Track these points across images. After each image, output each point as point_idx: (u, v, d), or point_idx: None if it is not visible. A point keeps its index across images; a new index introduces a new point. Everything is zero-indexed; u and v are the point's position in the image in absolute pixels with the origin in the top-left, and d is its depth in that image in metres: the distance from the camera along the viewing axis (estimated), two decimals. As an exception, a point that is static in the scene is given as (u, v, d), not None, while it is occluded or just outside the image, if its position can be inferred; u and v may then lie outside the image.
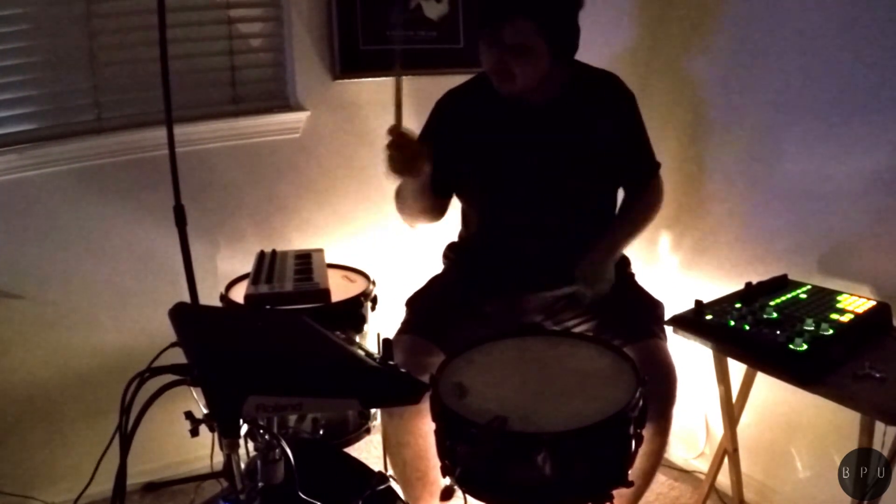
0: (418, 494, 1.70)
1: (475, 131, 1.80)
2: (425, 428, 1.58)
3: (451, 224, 2.02)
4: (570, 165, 1.78)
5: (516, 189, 1.79)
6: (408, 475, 1.70)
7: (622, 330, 1.68)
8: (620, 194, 1.94)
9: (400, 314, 1.83)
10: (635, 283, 1.89)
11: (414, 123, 2.40)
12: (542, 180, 1.78)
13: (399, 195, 1.83)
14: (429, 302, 1.84)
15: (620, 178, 1.89)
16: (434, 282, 1.93)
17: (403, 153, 1.63)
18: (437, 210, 1.88)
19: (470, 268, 1.89)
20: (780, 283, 1.80)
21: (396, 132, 1.62)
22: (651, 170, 1.90)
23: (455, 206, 1.98)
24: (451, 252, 1.98)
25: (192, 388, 1.07)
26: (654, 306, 1.80)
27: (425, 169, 1.66)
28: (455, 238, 2.01)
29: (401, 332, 1.76)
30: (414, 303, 1.86)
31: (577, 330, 1.77)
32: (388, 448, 1.77)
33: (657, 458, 1.63)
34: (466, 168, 1.82)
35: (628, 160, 1.85)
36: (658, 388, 1.53)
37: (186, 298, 1.97)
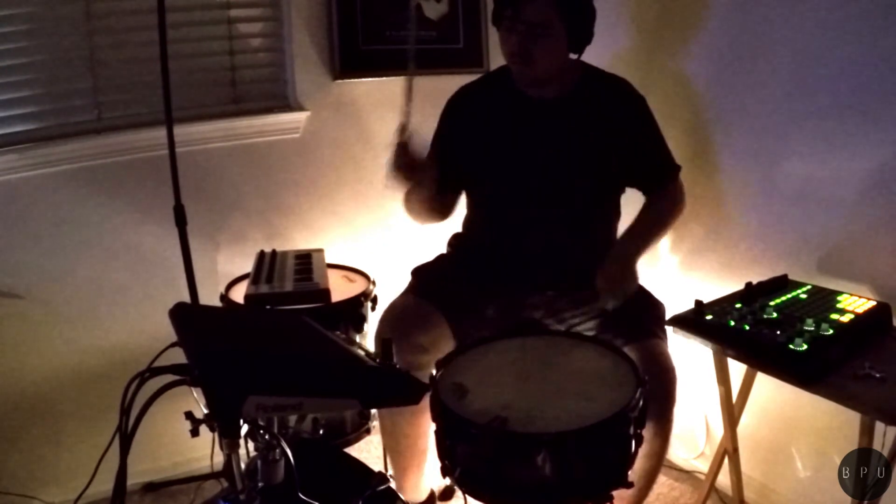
0: (405, 465, 1.72)
1: (485, 125, 1.82)
2: (420, 419, 1.60)
3: (452, 222, 2.02)
4: (574, 162, 1.78)
5: (522, 182, 1.81)
6: (398, 446, 1.74)
7: (622, 330, 1.68)
8: (625, 200, 1.94)
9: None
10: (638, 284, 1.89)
11: (414, 123, 2.41)
12: (547, 175, 1.79)
13: (407, 196, 1.86)
14: (434, 272, 1.88)
15: (636, 181, 1.88)
16: (441, 258, 1.96)
17: (406, 158, 1.67)
18: (444, 210, 1.92)
19: (472, 265, 1.90)
20: (780, 283, 1.80)
21: (403, 136, 1.66)
22: (670, 172, 1.88)
23: (461, 204, 1.99)
24: (456, 241, 1.99)
25: (192, 388, 1.07)
26: (655, 307, 1.80)
27: (426, 177, 1.71)
28: (459, 229, 2.01)
29: (403, 294, 1.78)
30: (419, 271, 1.90)
31: (578, 329, 1.78)
32: (384, 434, 1.80)
33: (659, 459, 1.63)
34: (475, 160, 1.83)
35: (644, 164, 1.85)
36: (657, 389, 1.53)
37: (186, 298, 1.96)
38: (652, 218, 1.85)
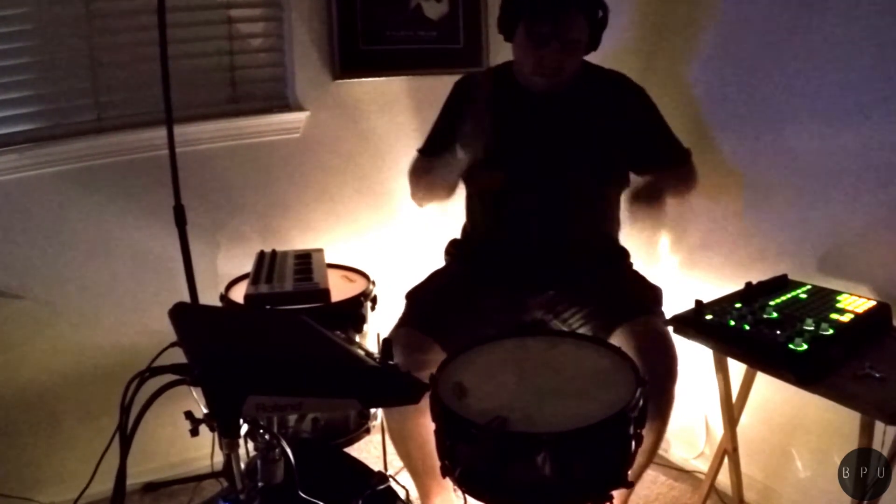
0: (428, 484, 1.72)
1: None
2: (426, 420, 1.59)
3: (452, 223, 2.02)
4: (573, 156, 1.79)
5: (522, 175, 1.81)
6: (415, 467, 1.73)
7: (619, 309, 1.69)
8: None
9: (400, 314, 1.83)
10: (633, 270, 1.90)
11: (414, 123, 2.42)
12: (546, 168, 1.80)
13: (424, 172, 1.86)
14: (429, 296, 1.85)
15: (650, 167, 1.86)
16: (435, 276, 1.94)
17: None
18: (452, 190, 1.88)
19: (472, 262, 1.90)
20: (780, 283, 1.80)
21: None
22: (682, 154, 1.88)
23: (455, 206, 1.98)
24: (454, 248, 1.99)
25: (191, 388, 1.07)
26: (651, 289, 1.83)
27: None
28: (457, 235, 2.02)
29: (399, 325, 1.77)
30: (414, 296, 1.87)
31: (577, 318, 1.78)
32: (392, 439, 1.79)
33: (657, 437, 1.65)
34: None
35: (655, 149, 1.85)
36: (656, 363, 1.54)
37: (186, 298, 1.96)
38: (669, 176, 1.84)
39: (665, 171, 1.86)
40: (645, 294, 1.80)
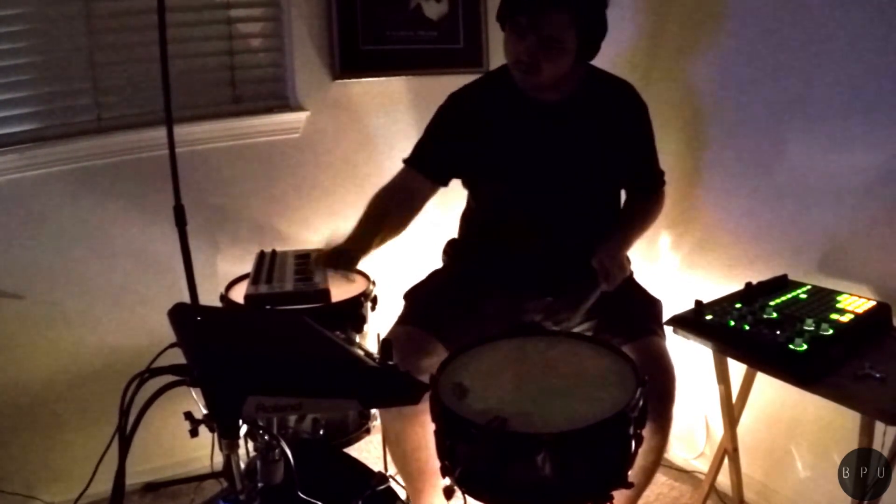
0: (420, 486, 1.71)
1: (484, 123, 1.81)
2: (423, 419, 1.59)
3: (451, 222, 2.02)
4: (574, 164, 1.78)
5: (520, 183, 1.80)
6: (408, 468, 1.71)
7: (620, 328, 1.68)
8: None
9: (399, 314, 1.83)
10: (634, 281, 1.89)
11: (413, 123, 2.42)
12: (546, 176, 1.79)
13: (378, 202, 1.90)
14: (428, 295, 1.85)
15: (625, 184, 1.91)
16: (434, 276, 1.93)
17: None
18: (398, 226, 1.89)
19: (470, 266, 1.90)
20: (780, 283, 1.80)
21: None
22: (656, 181, 1.93)
23: (455, 206, 1.98)
24: (451, 249, 1.99)
25: (191, 389, 1.07)
26: (653, 304, 1.80)
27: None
28: (455, 236, 2.01)
29: (399, 323, 1.76)
30: (413, 295, 1.87)
31: (576, 330, 1.78)
32: (388, 441, 1.78)
33: (657, 456, 1.63)
34: (474, 161, 1.82)
35: (636, 169, 1.88)
36: (657, 386, 1.53)
37: (186, 298, 1.97)
38: (635, 218, 1.90)
39: (633, 199, 1.93)
40: (645, 311, 1.77)
